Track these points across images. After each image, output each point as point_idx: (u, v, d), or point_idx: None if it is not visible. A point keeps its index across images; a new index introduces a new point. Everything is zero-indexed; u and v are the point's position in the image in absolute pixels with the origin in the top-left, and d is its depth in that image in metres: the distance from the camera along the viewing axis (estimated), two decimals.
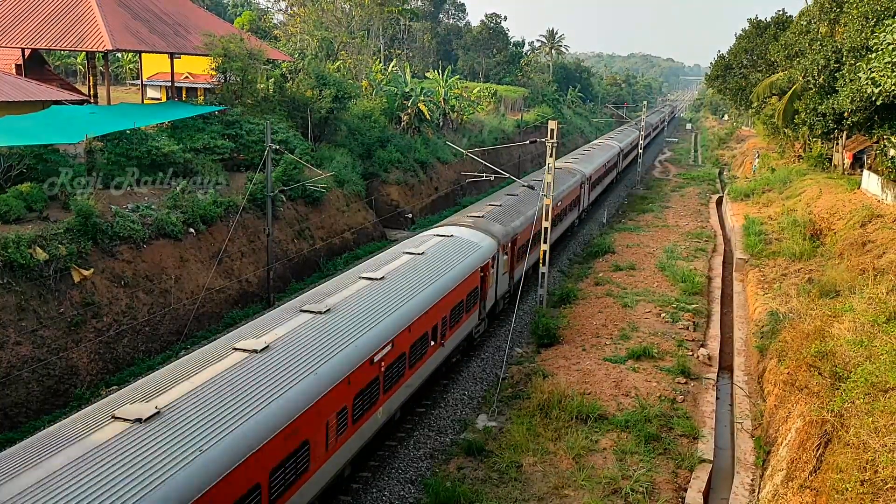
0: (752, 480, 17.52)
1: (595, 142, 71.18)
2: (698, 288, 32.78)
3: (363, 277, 20.19)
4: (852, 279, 25.14)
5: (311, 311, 17.10)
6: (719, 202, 59.85)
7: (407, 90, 57.34)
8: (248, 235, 32.41)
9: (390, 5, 79.75)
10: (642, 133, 76.18)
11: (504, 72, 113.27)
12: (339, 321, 16.84)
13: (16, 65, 39.04)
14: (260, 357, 14.33)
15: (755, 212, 47.12)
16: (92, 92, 38.34)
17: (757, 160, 70.34)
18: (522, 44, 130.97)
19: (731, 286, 34.90)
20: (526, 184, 37.55)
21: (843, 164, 49.82)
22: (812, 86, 41.53)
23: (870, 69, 30.20)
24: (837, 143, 51.13)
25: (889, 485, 11.72)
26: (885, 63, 28.87)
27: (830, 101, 38.20)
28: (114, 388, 22.19)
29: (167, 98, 54.17)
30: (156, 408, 11.89)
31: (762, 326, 26.08)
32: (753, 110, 63.16)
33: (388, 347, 17.35)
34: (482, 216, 29.14)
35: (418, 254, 23.05)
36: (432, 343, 20.69)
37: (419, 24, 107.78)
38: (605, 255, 39.11)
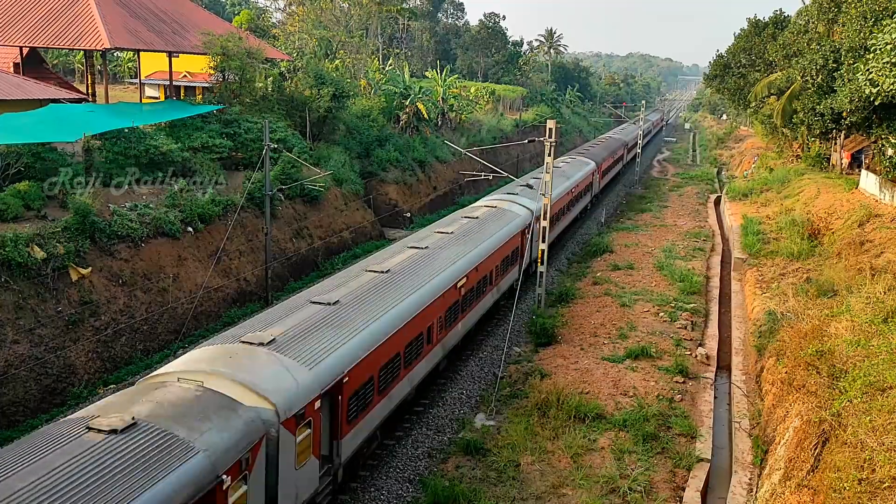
0: (749, 480, 17.53)
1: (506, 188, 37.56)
2: (696, 287, 32.80)
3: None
4: (850, 279, 25.20)
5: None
6: (717, 202, 59.88)
7: (405, 89, 57.31)
8: (246, 234, 32.38)
9: (389, 4, 79.88)
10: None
11: (502, 71, 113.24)
12: None
13: (14, 63, 39.02)
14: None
15: (753, 211, 47.16)
16: (90, 90, 38.33)
17: (755, 163, 70.29)
18: (521, 43, 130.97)
19: (729, 286, 34.92)
20: (525, 183, 37.56)
21: (841, 163, 49.88)
22: (810, 85, 41.53)
23: (868, 69, 30.24)
24: (835, 143, 51.18)
25: (886, 484, 11.74)
26: (884, 63, 28.92)
27: (829, 100, 38.23)
28: (111, 387, 22.17)
29: (165, 97, 54.07)
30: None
31: (760, 326, 26.11)
32: (752, 110, 63.11)
33: None
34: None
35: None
36: None
37: (418, 24, 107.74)
38: (603, 254, 39.09)
